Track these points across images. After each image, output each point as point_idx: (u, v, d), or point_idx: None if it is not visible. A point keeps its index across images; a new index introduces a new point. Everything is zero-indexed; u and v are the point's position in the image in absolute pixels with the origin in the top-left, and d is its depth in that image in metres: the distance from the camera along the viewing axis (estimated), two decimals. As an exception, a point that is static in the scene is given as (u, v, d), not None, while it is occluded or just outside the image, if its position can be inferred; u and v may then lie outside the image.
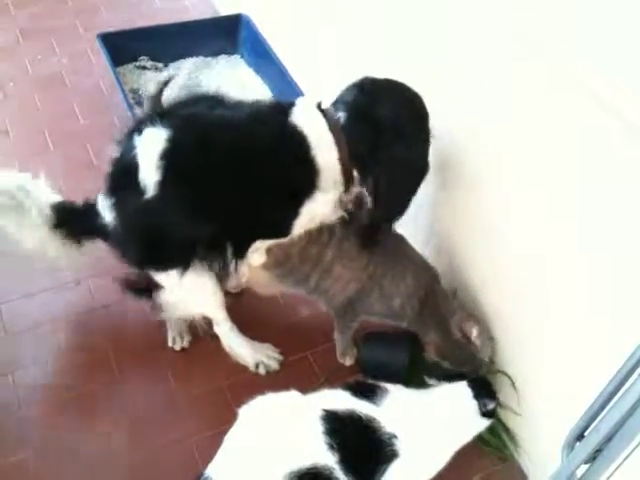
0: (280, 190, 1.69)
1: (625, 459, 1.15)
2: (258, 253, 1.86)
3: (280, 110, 1.71)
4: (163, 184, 1.62)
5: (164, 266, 1.79)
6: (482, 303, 1.91)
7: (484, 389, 1.70)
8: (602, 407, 1.20)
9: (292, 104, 1.73)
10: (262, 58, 2.98)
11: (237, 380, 2.01)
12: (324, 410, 1.53)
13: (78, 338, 2.09)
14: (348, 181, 1.74)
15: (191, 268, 1.78)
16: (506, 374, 1.86)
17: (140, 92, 2.88)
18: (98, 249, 1.93)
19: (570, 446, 1.26)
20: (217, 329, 2.02)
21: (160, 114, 1.70)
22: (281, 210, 1.73)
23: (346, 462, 1.49)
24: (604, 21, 1.29)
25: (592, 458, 1.19)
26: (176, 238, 1.71)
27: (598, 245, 1.45)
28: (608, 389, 1.19)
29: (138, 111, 2.70)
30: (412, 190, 1.76)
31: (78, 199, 2.10)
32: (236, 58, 3.15)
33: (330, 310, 2.01)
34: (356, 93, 1.70)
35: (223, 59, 3.13)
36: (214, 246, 1.77)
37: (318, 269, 1.88)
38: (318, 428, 1.50)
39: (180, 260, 1.77)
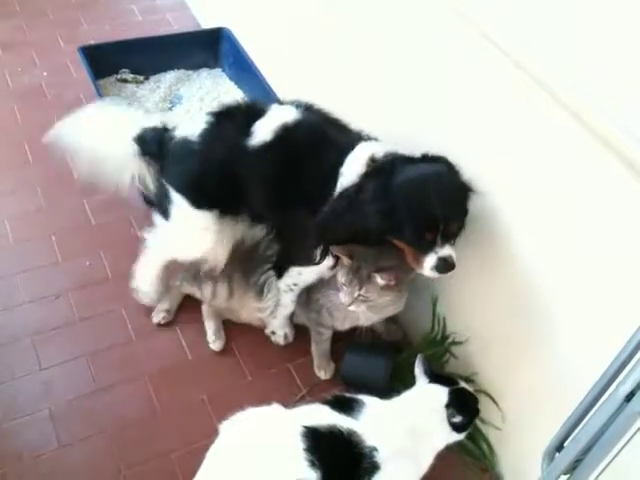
0: None
1: (604, 469, 1.16)
2: None
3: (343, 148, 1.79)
4: (267, 147, 1.80)
5: (190, 199, 1.92)
6: (470, 327, 1.93)
7: (461, 402, 1.68)
8: (581, 418, 1.21)
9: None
10: (244, 71, 2.98)
11: (217, 392, 2.00)
12: (304, 427, 1.53)
13: (57, 351, 2.06)
14: None
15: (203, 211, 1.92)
16: (488, 394, 1.87)
17: (121, 105, 2.88)
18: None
19: (550, 457, 1.27)
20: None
21: (307, 108, 1.88)
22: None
23: (329, 477, 1.49)
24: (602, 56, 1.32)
25: (572, 468, 1.20)
26: (224, 188, 1.87)
27: (581, 272, 1.49)
28: (587, 400, 1.20)
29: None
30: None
31: (58, 213, 2.10)
32: (217, 71, 3.15)
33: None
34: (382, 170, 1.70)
35: (204, 72, 3.14)
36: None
37: None
38: (299, 445, 1.50)
39: (201, 202, 1.92)
